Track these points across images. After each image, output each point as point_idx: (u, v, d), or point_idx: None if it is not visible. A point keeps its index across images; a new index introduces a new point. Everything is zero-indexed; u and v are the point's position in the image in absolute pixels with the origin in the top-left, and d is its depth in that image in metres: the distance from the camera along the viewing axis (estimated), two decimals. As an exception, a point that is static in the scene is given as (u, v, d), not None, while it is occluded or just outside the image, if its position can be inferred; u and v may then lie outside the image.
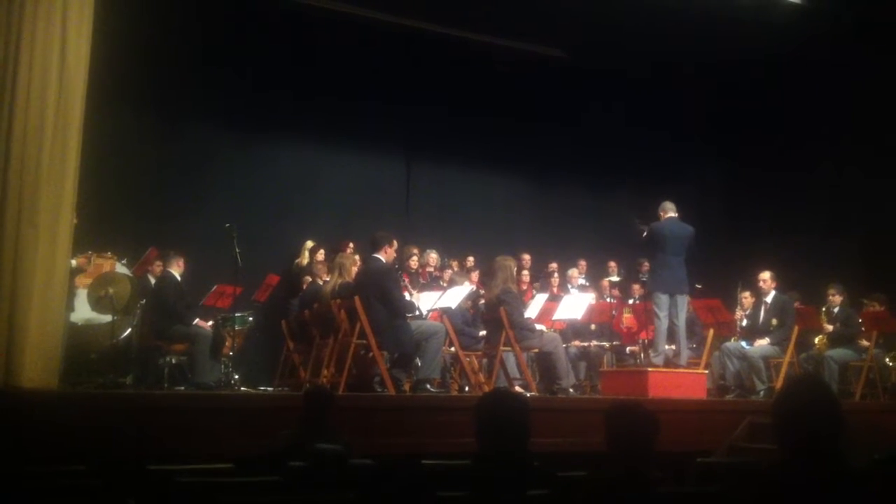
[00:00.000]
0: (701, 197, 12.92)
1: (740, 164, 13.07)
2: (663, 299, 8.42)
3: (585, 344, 10.13)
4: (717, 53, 11.32)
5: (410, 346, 7.56)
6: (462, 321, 8.75)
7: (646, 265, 9.82)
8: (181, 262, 8.57)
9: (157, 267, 9.11)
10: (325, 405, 4.93)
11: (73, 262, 8.10)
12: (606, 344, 9.95)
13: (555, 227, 12.70)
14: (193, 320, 8.27)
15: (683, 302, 8.55)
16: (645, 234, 8.69)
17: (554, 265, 11.42)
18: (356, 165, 11.94)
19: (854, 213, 11.59)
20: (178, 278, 8.51)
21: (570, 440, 6.33)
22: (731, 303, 9.72)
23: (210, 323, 8.62)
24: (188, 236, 9.74)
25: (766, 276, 9.20)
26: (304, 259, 10.41)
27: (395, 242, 7.95)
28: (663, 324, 8.38)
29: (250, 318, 9.65)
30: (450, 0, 10.87)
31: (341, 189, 11.72)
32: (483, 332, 8.75)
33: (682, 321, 8.51)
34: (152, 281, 9.08)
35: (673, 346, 8.64)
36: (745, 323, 9.39)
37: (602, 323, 10.07)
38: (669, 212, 8.63)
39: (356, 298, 7.45)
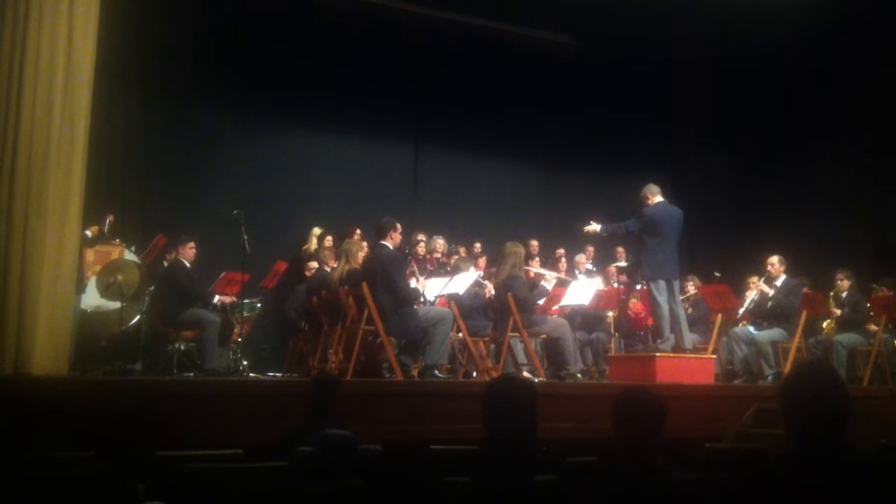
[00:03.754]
0: (707, 183, 12.90)
1: (747, 150, 13.00)
2: (662, 285, 8.37)
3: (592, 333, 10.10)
4: (724, 43, 11.29)
5: (417, 332, 7.57)
6: (469, 305, 8.74)
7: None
8: (192, 248, 8.58)
9: (171, 255, 9.11)
10: (332, 391, 4.93)
11: (88, 232, 8.16)
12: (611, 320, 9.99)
13: (562, 212, 12.68)
14: (213, 299, 8.35)
15: (677, 287, 8.51)
16: (605, 231, 8.70)
17: (561, 251, 11.40)
18: (364, 152, 11.95)
19: (863, 198, 11.53)
20: (188, 265, 8.52)
21: (578, 426, 6.33)
22: (740, 289, 9.69)
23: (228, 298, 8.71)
24: (196, 224, 9.75)
25: (773, 260, 9.18)
26: (312, 246, 10.42)
27: (399, 227, 7.94)
28: (664, 309, 8.33)
29: (258, 305, 9.68)
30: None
31: (349, 176, 11.72)
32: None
33: (679, 306, 8.48)
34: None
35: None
36: (750, 306, 9.35)
37: (609, 309, 10.07)
38: (657, 195, 8.46)
39: (363, 285, 7.47)
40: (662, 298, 8.30)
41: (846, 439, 2.60)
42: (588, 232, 8.83)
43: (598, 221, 8.78)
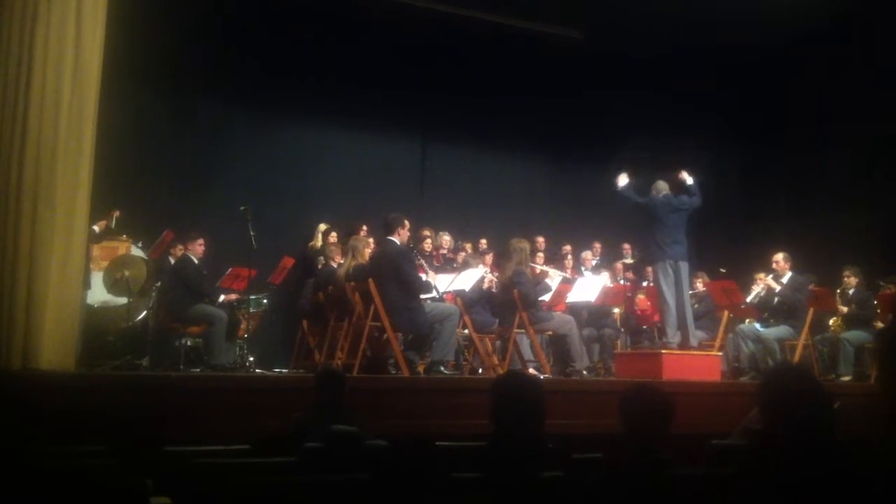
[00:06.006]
0: (718, 179, 12.83)
1: (758, 147, 12.97)
2: (667, 269, 8.42)
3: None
4: (731, 35, 11.25)
5: (425, 327, 7.58)
6: (470, 298, 8.72)
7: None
8: (201, 245, 8.58)
9: (179, 250, 9.13)
10: (337, 386, 4.94)
11: (95, 227, 8.17)
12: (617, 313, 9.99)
13: (569, 209, 12.67)
14: (219, 298, 8.37)
15: (685, 271, 8.53)
16: (625, 191, 9.00)
17: (568, 247, 11.39)
18: (371, 147, 11.94)
19: (871, 194, 11.49)
20: (196, 261, 8.53)
21: (584, 422, 6.33)
22: (747, 285, 9.67)
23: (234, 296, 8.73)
24: (203, 219, 9.75)
25: (778, 257, 9.17)
26: (318, 242, 10.42)
27: (407, 223, 7.94)
28: (669, 304, 8.39)
29: (265, 301, 9.69)
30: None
31: (355, 171, 11.71)
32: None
33: (686, 296, 8.47)
34: (172, 262, 9.12)
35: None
36: (755, 300, 9.33)
37: (616, 305, 10.06)
38: (663, 190, 8.74)
39: (370, 281, 7.47)
40: (669, 291, 8.36)
41: (834, 439, 2.58)
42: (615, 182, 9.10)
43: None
